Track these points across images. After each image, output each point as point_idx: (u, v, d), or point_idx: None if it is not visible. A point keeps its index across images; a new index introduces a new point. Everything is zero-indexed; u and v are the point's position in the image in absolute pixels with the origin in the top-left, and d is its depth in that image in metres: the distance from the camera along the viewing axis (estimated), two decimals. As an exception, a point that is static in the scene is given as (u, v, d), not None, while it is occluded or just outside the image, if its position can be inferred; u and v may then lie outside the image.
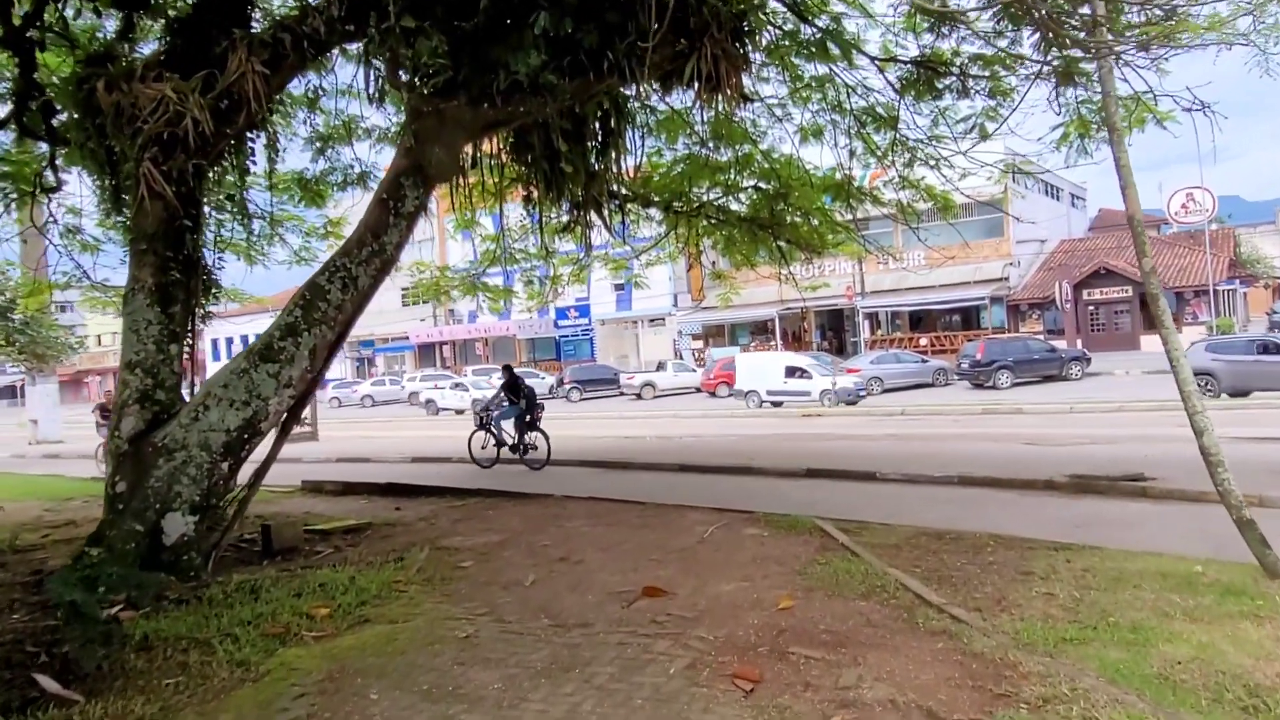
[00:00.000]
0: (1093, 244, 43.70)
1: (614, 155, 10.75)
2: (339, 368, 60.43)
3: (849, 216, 15.16)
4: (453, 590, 6.38)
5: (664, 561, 6.94)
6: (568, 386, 39.10)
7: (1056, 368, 29.57)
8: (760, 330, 45.91)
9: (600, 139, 10.47)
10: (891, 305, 41.22)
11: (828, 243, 16.16)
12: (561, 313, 50.89)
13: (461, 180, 10.98)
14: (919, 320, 43.13)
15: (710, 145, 13.92)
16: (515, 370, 16.25)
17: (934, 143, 12.37)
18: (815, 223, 15.52)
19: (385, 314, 49.82)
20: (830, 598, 5.62)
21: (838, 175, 14.09)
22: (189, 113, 7.36)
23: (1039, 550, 6.46)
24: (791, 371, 27.85)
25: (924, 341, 39.62)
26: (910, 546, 6.89)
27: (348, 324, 7.85)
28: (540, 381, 41.39)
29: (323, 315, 7.52)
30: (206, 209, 8.76)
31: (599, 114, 9.45)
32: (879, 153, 13.25)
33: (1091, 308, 38.31)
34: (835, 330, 47.29)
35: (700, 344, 46.52)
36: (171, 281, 7.52)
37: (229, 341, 66.60)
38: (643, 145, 12.42)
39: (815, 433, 19.31)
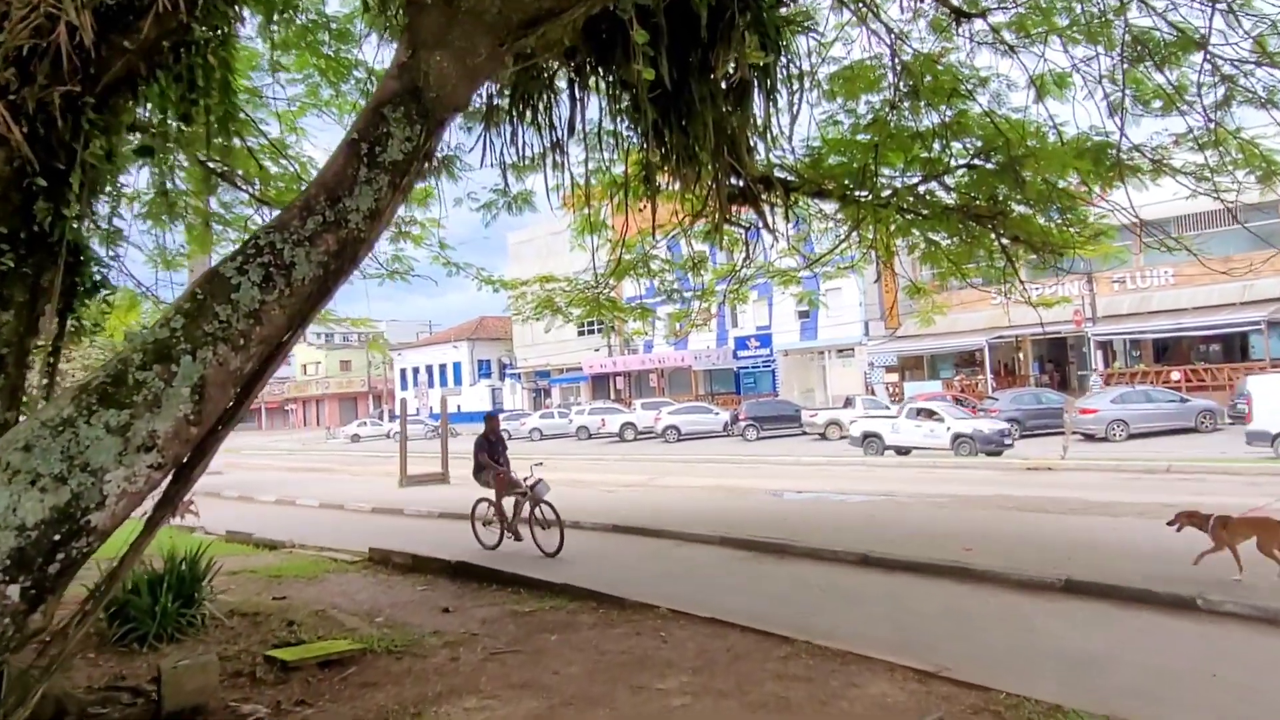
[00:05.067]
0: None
1: (752, 97, 7.24)
2: (513, 398, 59.48)
3: (1105, 201, 10.66)
4: None
5: None
6: (743, 424, 35.20)
7: (1389, 409, 22.51)
8: (966, 362, 40.08)
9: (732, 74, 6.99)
10: (1133, 331, 34.34)
11: (1071, 239, 11.61)
12: (741, 342, 47.21)
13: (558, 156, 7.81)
14: (1164, 350, 35.91)
15: (905, 105, 10.02)
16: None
17: (1269, 62, 7.87)
18: (1057, 214, 11.08)
19: (564, 343, 48.31)
20: None
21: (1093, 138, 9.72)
22: (63, 15, 4.57)
23: None
24: None
25: (1175, 376, 32.62)
26: None
27: (277, 342, 4.68)
28: (713, 417, 37.86)
29: (224, 328, 4.37)
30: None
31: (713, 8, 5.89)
32: (1168, 94, 8.83)
33: None
34: (1056, 362, 40.67)
35: (895, 378, 41.26)
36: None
37: (415, 371, 66.66)
38: (801, 104, 8.70)
39: (1037, 495, 14.49)
